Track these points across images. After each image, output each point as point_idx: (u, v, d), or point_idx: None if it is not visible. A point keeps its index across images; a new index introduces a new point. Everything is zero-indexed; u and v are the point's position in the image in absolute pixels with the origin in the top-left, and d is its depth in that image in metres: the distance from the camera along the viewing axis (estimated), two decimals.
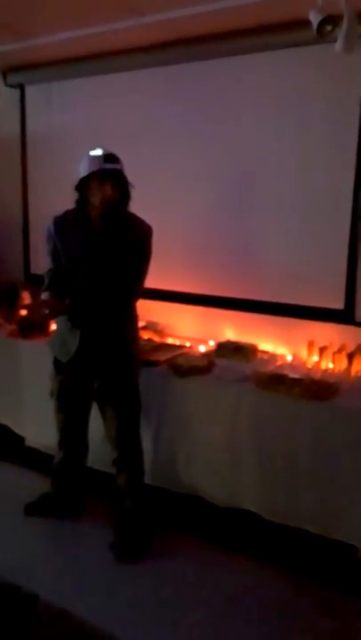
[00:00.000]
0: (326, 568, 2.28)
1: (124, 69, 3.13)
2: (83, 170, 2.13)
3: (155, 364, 2.64)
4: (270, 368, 2.63)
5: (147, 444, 2.61)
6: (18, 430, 3.19)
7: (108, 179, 2.10)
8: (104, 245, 2.20)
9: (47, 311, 2.17)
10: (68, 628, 1.88)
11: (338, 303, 2.72)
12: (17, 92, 3.66)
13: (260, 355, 2.85)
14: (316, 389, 2.30)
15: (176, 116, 3.09)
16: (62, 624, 1.90)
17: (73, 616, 1.93)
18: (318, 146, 2.69)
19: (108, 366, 2.31)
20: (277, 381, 2.39)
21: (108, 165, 2.09)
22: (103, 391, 2.36)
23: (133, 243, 2.25)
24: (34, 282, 3.67)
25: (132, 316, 2.37)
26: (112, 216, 2.19)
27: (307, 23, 2.10)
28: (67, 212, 2.22)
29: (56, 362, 2.37)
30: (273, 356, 2.82)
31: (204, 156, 3.04)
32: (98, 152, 2.12)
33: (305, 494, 2.30)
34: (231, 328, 3.09)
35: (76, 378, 2.34)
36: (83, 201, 2.17)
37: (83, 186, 2.14)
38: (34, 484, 2.75)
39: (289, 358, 2.77)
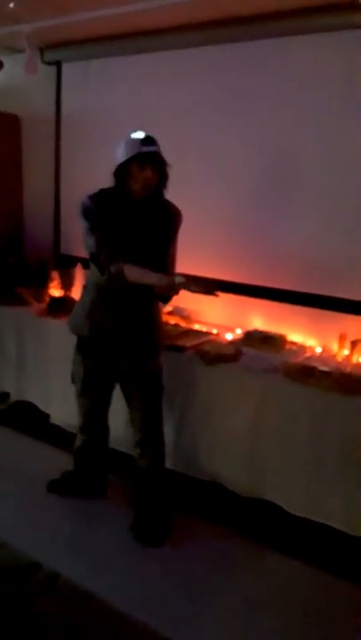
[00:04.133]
0: (348, 563, 2.26)
1: (165, 49, 3.06)
2: (121, 155, 2.09)
3: (181, 349, 2.62)
4: (299, 359, 2.59)
5: (170, 428, 2.61)
6: (43, 408, 3.23)
7: (148, 162, 2.07)
8: (143, 224, 2.19)
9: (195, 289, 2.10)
10: (87, 607, 1.92)
11: None
12: (54, 70, 3.63)
13: (288, 345, 2.81)
14: (345, 383, 2.26)
15: (215, 99, 3.02)
16: (82, 603, 1.93)
17: (93, 595, 1.96)
18: (357, 134, 2.60)
19: (133, 347, 2.30)
20: (306, 373, 2.35)
21: (147, 148, 2.06)
22: (127, 374, 2.35)
23: (164, 224, 2.24)
24: (63, 262, 3.70)
25: (156, 300, 2.34)
26: (151, 197, 2.17)
27: (356, 5, 2.02)
28: (102, 191, 2.18)
29: (80, 344, 2.37)
30: (302, 348, 2.78)
31: (240, 142, 2.98)
32: (136, 135, 2.09)
33: (330, 489, 2.27)
34: (260, 317, 3.05)
35: (99, 360, 2.34)
36: (122, 183, 2.14)
37: (121, 170, 2.11)
38: (58, 462, 2.78)
39: (319, 350, 2.73)
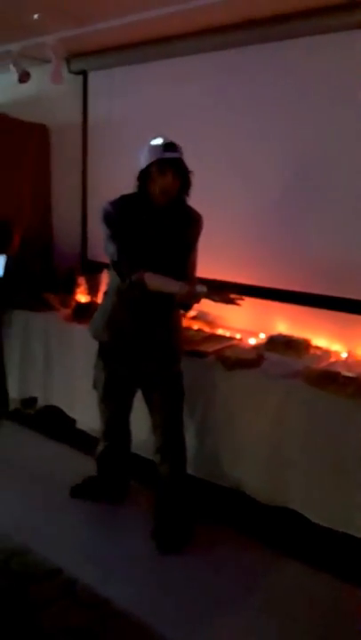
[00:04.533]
0: None
1: (186, 54, 3.07)
2: (143, 160, 2.10)
3: (203, 354, 2.60)
4: (322, 365, 2.53)
5: (192, 434, 2.59)
6: (69, 412, 3.27)
7: (169, 167, 2.07)
8: (164, 231, 2.19)
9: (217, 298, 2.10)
10: (103, 614, 1.92)
11: None
12: (80, 79, 3.69)
13: (312, 350, 2.75)
14: None
15: (239, 102, 3.00)
16: (98, 609, 1.93)
17: (110, 602, 1.96)
18: None
19: (154, 353, 2.29)
20: (329, 379, 2.30)
21: (168, 154, 2.06)
22: (149, 379, 2.35)
23: (186, 230, 2.23)
24: (90, 268, 3.74)
25: (177, 306, 2.33)
26: (173, 204, 2.17)
27: None
28: (123, 197, 2.19)
29: (101, 350, 2.38)
30: (327, 353, 2.71)
31: (265, 145, 2.95)
32: (158, 141, 2.09)
33: (354, 498, 2.20)
34: (284, 321, 3.00)
35: (121, 366, 2.34)
36: (144, 189, 2.14)
37: (143, 176, 2.12)
38: (83, 467, 2.79)
39: (344, 355, 2.66)
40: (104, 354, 2.36)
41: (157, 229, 2.17)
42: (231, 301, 2.09)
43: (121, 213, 2.16)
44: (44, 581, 2.05)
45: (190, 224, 2.24)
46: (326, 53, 2.66)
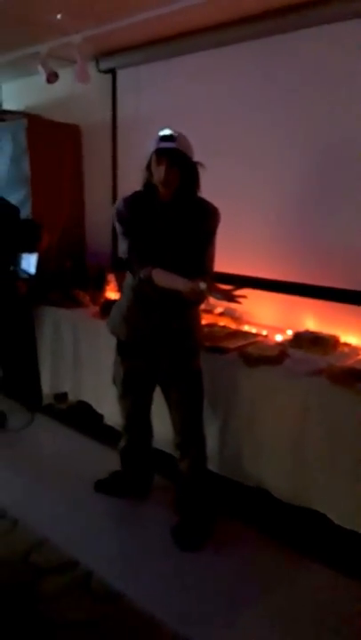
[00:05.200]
0: None
1: (210, 47, 3.03)
2: (148, 152, 2.10)
3: (224, 350, 2.57)
4: (349, 362, 2.44)
5: (214, 431, 2.56)
6: (97, 408, 3.31)
7: (164, 158, 2.04)
8: (174, 225, 2.16)
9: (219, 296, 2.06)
10: (116, 608, 1.93)
11: None
12: (109, 78, 3.71)
13: (340, 347, 2.66)
14: None
15: (264, 96, 2.93)
16: (112, 603, 1.95)
17: (123, 596, 1.97)
18: None
19: (171, 349, 2.28)
20: (353, 377, 2.21)
21: (163, 144, 2.03)
22: (167, 376, 2.33)
23: (198, 223, 2.18)
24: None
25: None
26: (182, 197, 2.13)
27: None
28: (135, 193, 2.20)
29: (119, 346, 2.38)
30: (355, 350, 2.62)
31: (292, 136, 2.87)
32: (161, 132, 2.08)
33: None
34: (312, 318, 2.92)
35: (138, 362, 2.34)
36: (149, 182, 2.14)
37: (147, 167, 2.12)
38: (109, 462, 2.81)
39: None
40: (122, 350, 2.37)
41: (167, 224, 2.15)
42: (233, 299, 2.02)
43: (132, 210, 2.15)
44: (58, 574, 2.08)
45: (205, 217, 2.19)
46: (345, 41, 2.55)
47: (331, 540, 2.28)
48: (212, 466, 2.54)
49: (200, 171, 2.13)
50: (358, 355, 2.56)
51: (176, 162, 2.05)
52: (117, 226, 2.20)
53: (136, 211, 2.15)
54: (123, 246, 2.17)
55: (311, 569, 2.19)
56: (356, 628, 1.90)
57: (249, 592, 2.08)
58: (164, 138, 2.04)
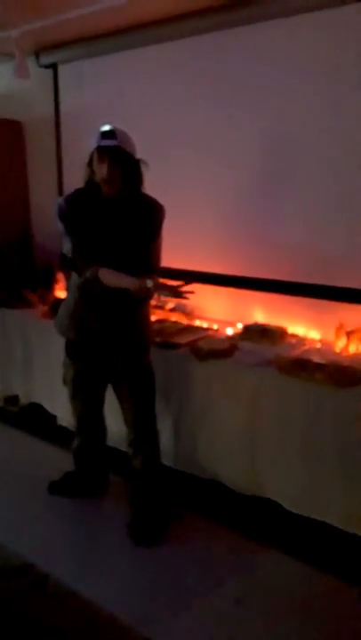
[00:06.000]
0: (349, 563, 2.17)
1: (152, 42, 3.04)
2: (90, 148, 2.08)
3: (175, 346, 2.58)
4: (296, 352, 2.51)
5: (169, 426, 2.58)
6: (50, 409, 3.26)
7: (106, 155, 2.03)
8: (119, 223, 2.15)
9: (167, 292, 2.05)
10: (73, 608, 1.91)
11: None
12: (50, 73, 3.65)
13: (288, 338, 2.73)
14: (339, 376, 2.17)
15: (211, 88, 2.95)
16: (69, 604, 1.93)
17: (80, 597, 1.96)
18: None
19: (120, 347, 2.27)
20: (299, 366, 2.28)
21: (104, 142, 2.02)
22: (117, 373, 2.33)
23: (143, 220, 2.18)
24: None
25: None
26: (126, 194, 2.12)
27: None
28: (76, 191, 2.17)
29: (68, 347, 2.36)
30: (301, 340, 2.70)
31: (233, 131, 2.91)
32: (101, 128, 2.06)
33: (329, 486, 2.19)
34: (261, 310, 2.98)
35: (88, 362, 2.32)
36: (91, 179, 2.12)
37: (90, 164, 2.10)
38: (63, 463, 2.77)
39: (319, 342, 2.63)
40: (71, 350, 2.35)
41: (111, 222, 2.14)
42: (180, 295, 2.04)
43: (73, 208, 2.13)
44: (13, 577, 2.05)
45: (150, 214, 2.20)
46: (299, 34, 2.59)
47: (285, 527, 2.34)
48: (166, 460, 2.55)
49: (143, 168, 2.13)
50: (305, 345, 2.64)
51: (118, 160, 2.04)
52: (59, 224, 2.16)
53: (79, 208, 2.13)
54: (67, 245, 2.15)
55: (267, 556, 2.24)
56: (312, 611, 1.96)
57: (206, 583, 2.10)
58: (105, 134, 2.03)
